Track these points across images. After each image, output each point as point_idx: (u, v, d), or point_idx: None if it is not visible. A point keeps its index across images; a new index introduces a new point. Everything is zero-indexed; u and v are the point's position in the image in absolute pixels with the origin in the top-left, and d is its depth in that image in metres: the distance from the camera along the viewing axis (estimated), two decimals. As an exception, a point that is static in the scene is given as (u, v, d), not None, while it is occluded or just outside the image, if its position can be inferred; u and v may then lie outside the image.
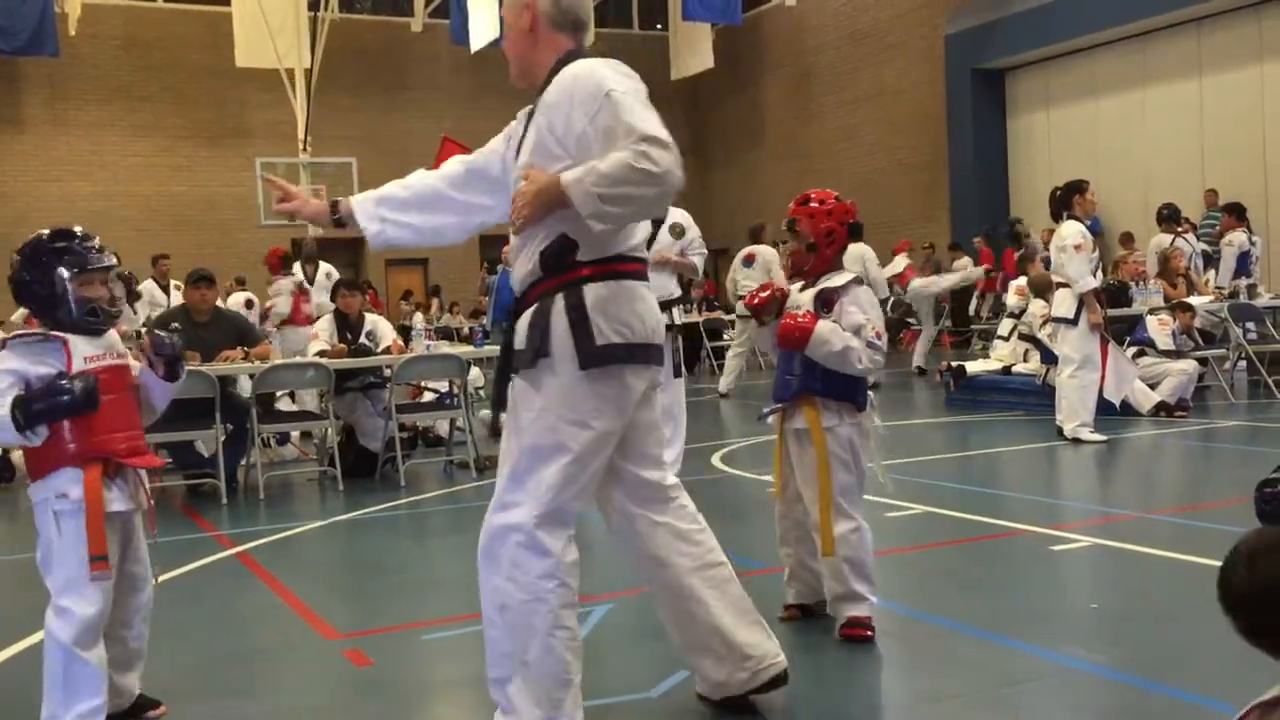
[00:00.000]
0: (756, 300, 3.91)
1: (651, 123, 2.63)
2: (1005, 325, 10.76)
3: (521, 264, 2.85)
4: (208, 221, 21.84)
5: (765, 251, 12.05)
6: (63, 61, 19.93)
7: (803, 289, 3.90)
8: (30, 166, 20.83)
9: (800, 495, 3.82)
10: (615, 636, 4.00)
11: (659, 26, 25.01)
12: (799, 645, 3.63)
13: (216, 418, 7.07)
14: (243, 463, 7.67)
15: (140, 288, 12.35)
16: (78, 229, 3.22)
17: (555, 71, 2.86)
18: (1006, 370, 10.27)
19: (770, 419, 3.93)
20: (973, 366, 10.60)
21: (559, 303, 2.75)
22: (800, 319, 3.69)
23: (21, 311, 11.33)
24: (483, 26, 20.20)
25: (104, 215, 20.07)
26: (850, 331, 3.68)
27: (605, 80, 2.71)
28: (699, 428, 10.04)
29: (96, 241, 3.20)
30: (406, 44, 23.68)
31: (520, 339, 2.80)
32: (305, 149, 19.41)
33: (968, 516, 5.71)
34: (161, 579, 5.06)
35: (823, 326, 3.66)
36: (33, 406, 2.94)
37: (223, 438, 7.22)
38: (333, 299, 8.68)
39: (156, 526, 3.30)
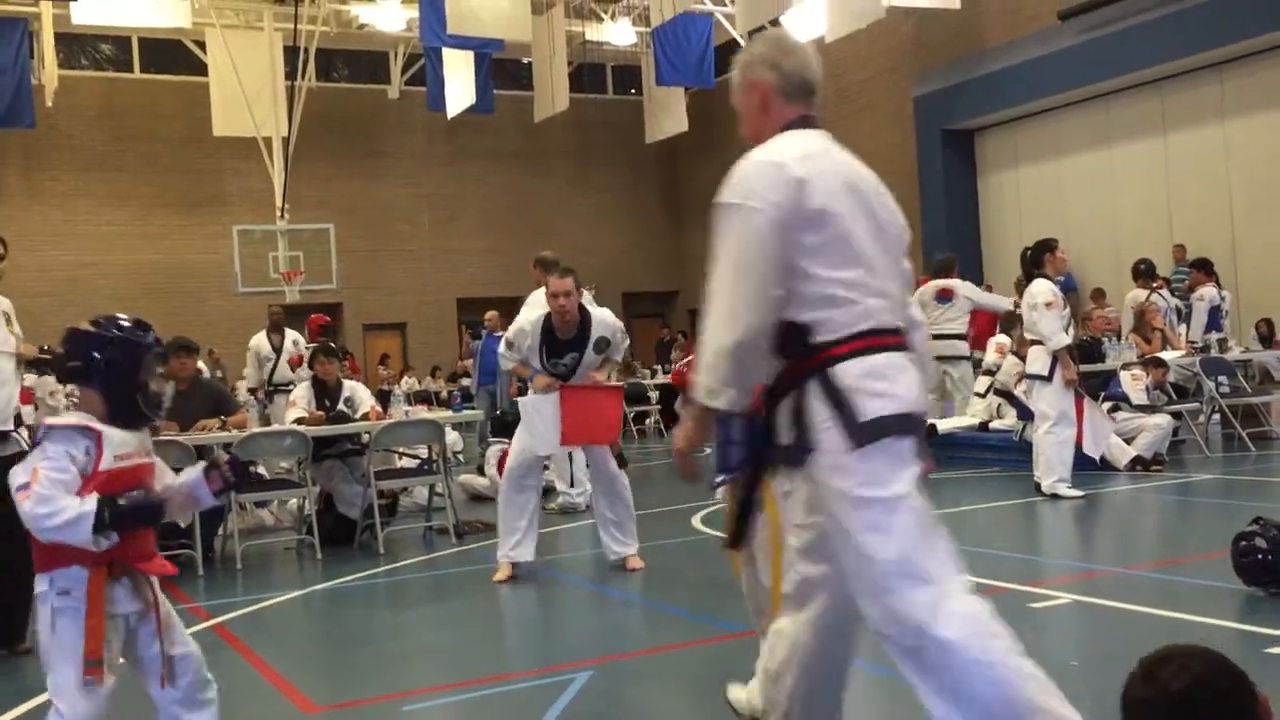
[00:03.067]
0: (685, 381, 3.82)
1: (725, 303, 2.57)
2: (982, 382, 10.83)
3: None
4: (183, 289, 21.82)
5: (962, 286, 11.29)
6: (39, 133, 19.98)
7: None
8: (5, 236, 20.76)
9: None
10: (598, 704, 3.96)
11: (633, 91, 25.34)
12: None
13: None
14: (220, 532, 7.61)
15: None
16: (142, 320, 3.22)
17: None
18: (983, 426, 10.33)
19: (720, 491, 3.73)
20: (945, 424, 10.63)
21: (811, 388, 2.55)
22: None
23: (49, 385, 11.13)
24: (458, 93, 20.42)
25: (79, 284, 20.04)
26: None
27: (728, 185, 2.65)
28: (678, 491, 10.04)
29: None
30: (383, 111, 23.89)
31: (781, 434, 2.62)
32: (283, 216, 19.48)
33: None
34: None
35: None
36: (122, 512, 2.88)
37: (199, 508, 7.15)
38: (310, 365, 8.66)
39: (164, 626, 3.12)
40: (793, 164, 2.57)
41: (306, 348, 10.94)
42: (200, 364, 11.16)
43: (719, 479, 3.74)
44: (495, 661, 4.74)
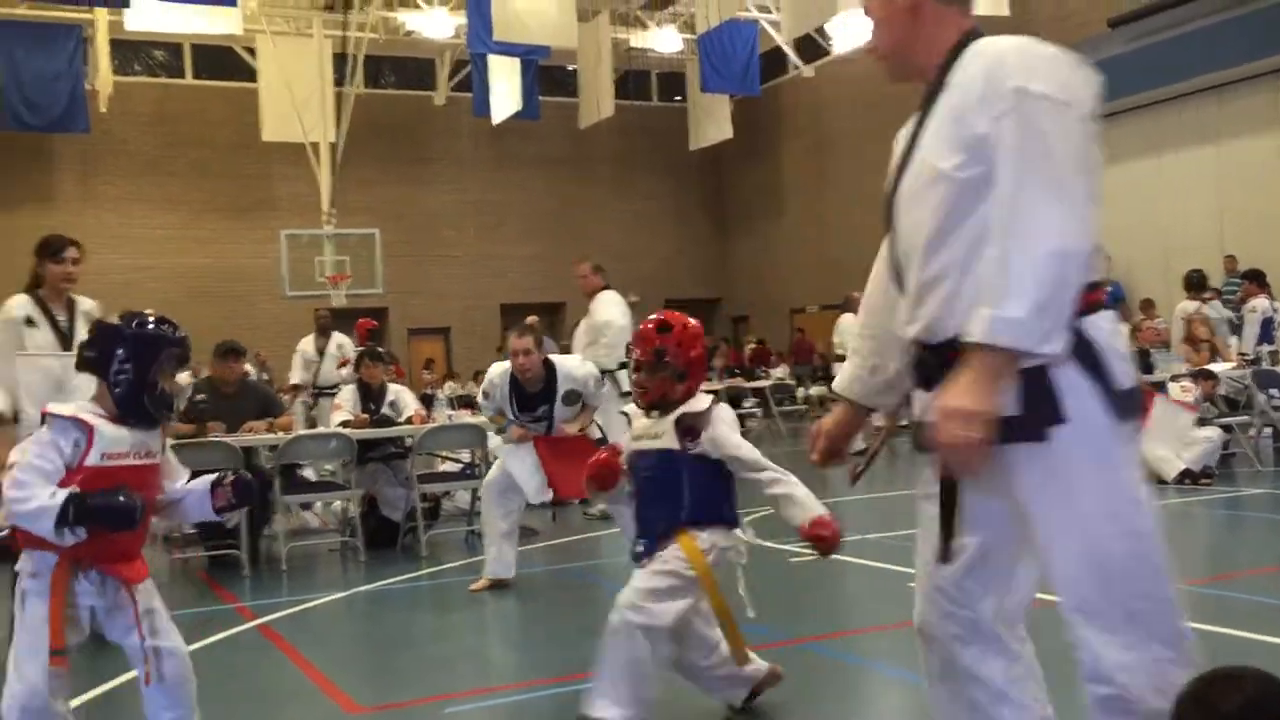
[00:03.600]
0: (596, 474, 3.76)
1: (1074, 182, 1.96)
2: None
3: (956, 292, 2.10)
4: (232, 293, 22.09)
5: None
6: (93, 138, 20.33)
7: (649, 414, 3.62)
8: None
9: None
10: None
11: (678, 98, 25.36)
12: None
13: (240, 488, 7.09)
14: (265, 533, 7.68)
15: None
16: (169, 319, 3.23)
17: (955, 55, 2.20)
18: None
19: (638, 560, 3.56)
20: None
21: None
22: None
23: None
24: (504, 99, 20.55)
25: (133, 287, 20.31)
26: (733, 455, 3.52)
27: (1020, 71, 2.03)
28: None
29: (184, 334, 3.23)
30: (429, 117, 24.07)
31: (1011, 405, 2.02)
32: (330, 221, 19.68)
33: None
34: (195, 647, 5.07)
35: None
36: (89, 506, 2.88)
37: (246, 509, 7.23)
38: (356, 369, 8.74)
39: (142, 628, 3.10)
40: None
41: (353, 351, 11.03)
42: (248, 367, 11.32)
43: (640, 549, 3.52)
44: (536, 666, 4.76)
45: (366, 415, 7.94)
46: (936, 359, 2.14)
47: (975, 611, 2.24)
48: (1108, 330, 2.07)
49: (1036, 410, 2.01)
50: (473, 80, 21.54)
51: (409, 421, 7.96)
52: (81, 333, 5.31)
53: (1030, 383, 2.00)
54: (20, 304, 5.37)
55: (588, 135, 22.77)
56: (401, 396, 8.28)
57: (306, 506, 8.98)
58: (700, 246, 26.51)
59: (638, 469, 3.63)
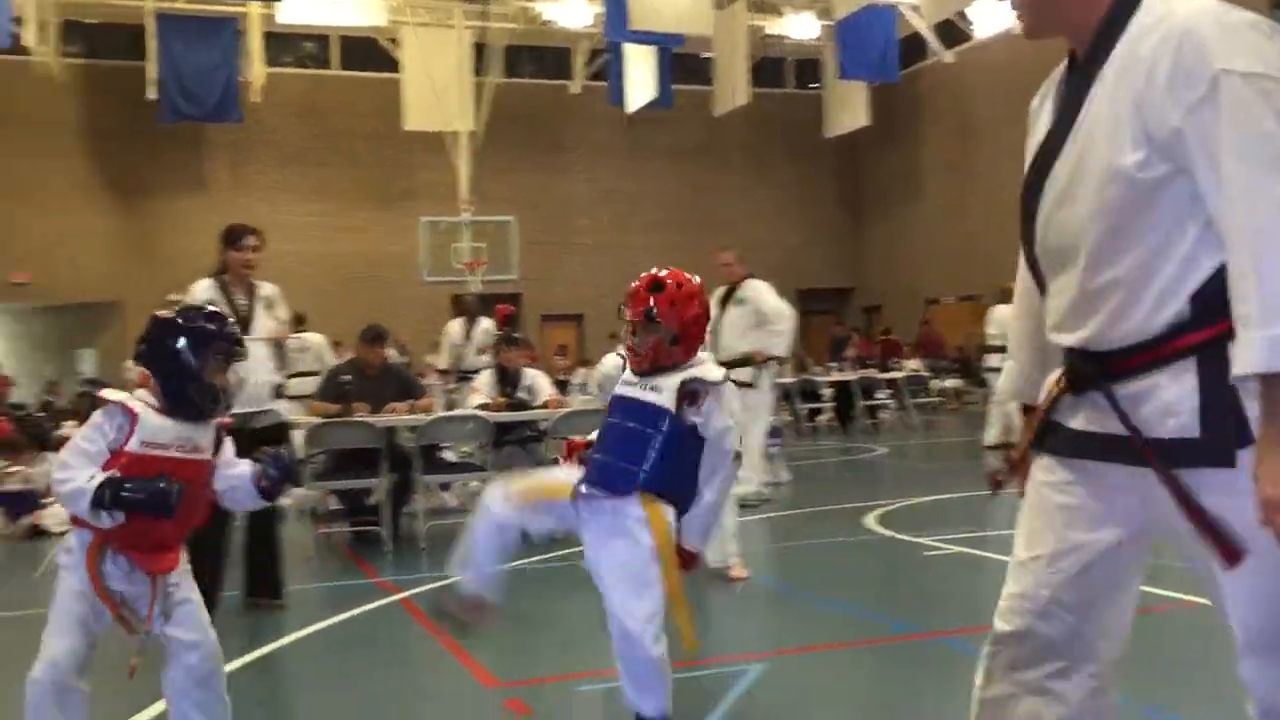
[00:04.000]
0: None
1: None
2: None
3: (1131, 301, 1.88)
4: (373, 278, 22.71)
5: None
6: (245, 127, 21.13)
7: (644, 375, 3.36)
8: (212, 226, 21.95)
9: None
10: (769, 699, 3.98)
11: (813, 85, 25.13)
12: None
13: (384, 467, 7.33)
14: (405, 511, 7.92)
15: (308, 339, 12.84)
16: (220, 312, 3.26)
17: (1122, 15, 1.89)
18: None
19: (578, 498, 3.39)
20: None
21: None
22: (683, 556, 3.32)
23: (132, 367, 11.95)
24: (639, 88, 20.66)
25: (279, 272, 20.98)
26: (719, 433, 3.30)
27: (1218, 47, 1.75)
28: (850, 488, 9.96)
29: (237, 330, 3.23)
30: (565, 106, 24.34)
31: (1176, 420, 1.83)
32: (467, 208, 20.09)
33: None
34: (328, 622, 5.29)
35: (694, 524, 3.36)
36: (117, 494, 2.90)
37: (389, 486, 7.48)
38: (494, 354, 8.93)
39: (151, 618, 3.08)
40: None
41: (492, 336, 11.26)
42: (390, 350, 11.65)
43: (603, 494, 3.32)
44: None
45: (504, 399, 8.11)
46: (1096, 367, 1.95)
47: (1079, 620, 2.05)
48: None
49: (1220, 429, 1.79)
50: (608, 69, 21.71)
51: (544, 406, 8.10)
52: (260, 316, 5.64)
53: (1211, 401, 1.79)
54: (204, 288, 5.69)
55: (721, 123, 22.73)
56: (537, 381, 8.43)
57: (445, 487, 9.22)
58: (833, 235, 26.25)
59: (614, 413, 3.40)
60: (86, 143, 21.60)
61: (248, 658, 4.50)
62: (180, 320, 3.11)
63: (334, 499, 8.28)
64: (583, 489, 3.36)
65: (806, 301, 24.08)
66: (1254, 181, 1.70)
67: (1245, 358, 1.70)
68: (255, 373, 5.63)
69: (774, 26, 22.33)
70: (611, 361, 6.37)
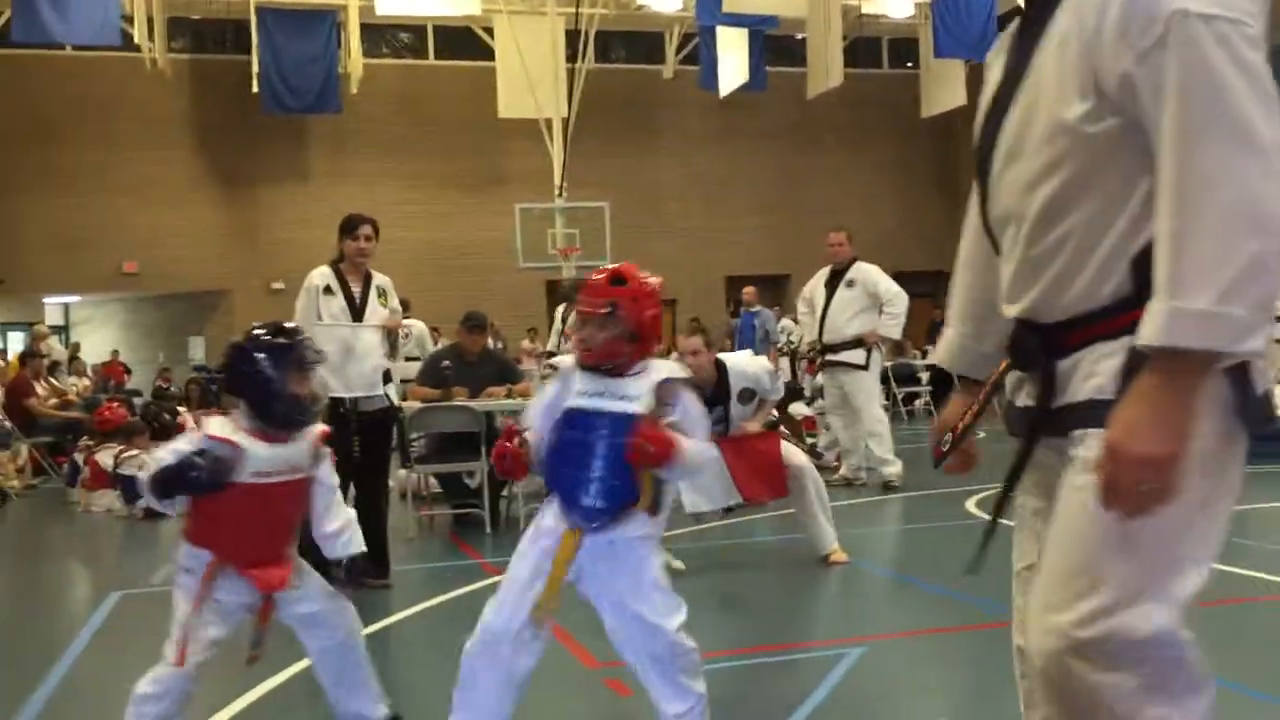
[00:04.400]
0: (512, 473, 3.24)
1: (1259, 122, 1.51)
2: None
3: (1076, 267, 1.75)
4: (470, 265, 23.01)
5: None
6: (343, 117, 21.54)
7: (598, 377, 3.13)
8: (313, 215, 22.52)
9: None
10: (869, 682, 3.97)
11: (909, 65, 24.75)
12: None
13: (483, 451, 7.45)
14: (504, 494, 8.04)
15: (411, 326, 13.08)
16: (291, 326, 3.36)
17: None
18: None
19: (555, 541, 3.14)
20: None
21: None
22: (668, 436, 3.03)
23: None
24: (731, 71, 20.56)
25: (380, 260, 21.48)
26: (699, 419, 3.19)
27: None
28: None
29: (310, 340, 3.33)
30: (657, 91, 24.32)
31: (1094, 381, 1.73)
32: (561, 194, 20.23)
33: (1238, 571, 5.35)
34: (432, 602, 5.41)
35: (691, 449, 3.09)
36: (159, 481, 3.04)
37: (488, 470, 7.60)
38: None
39: (262, 645, 3.26)
40: None
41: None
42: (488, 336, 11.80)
43: (590, 524, 3.10)
44: (765, 632, 4.83)
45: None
46: (1042, 341, 1.80)
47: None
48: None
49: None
50: (700, 53, 21.64)
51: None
52: (373, 303, 5.83)
53: (1136, 360, 1.63)
54: (321, 274, 5.94)
55: (814, 105, 22.50)
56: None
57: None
58: (928, 217, 25.83)
59: (575, 427, 3.11)
60: (193, 136, 22.22)
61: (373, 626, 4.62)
62: (254, 342, 3.23)
63: (435, 482, 8.44)
64: (591, 529, 3.12)
65: (903, 285, 23.76)
66: (1195, 134, 1.52)
67: (1145, 329, 1.55)
68: (367, 358, 5.82)
69: (869, 5, 22.02)
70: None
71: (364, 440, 5.78)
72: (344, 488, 4.80)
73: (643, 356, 3.14)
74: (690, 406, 3.15)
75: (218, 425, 3.15)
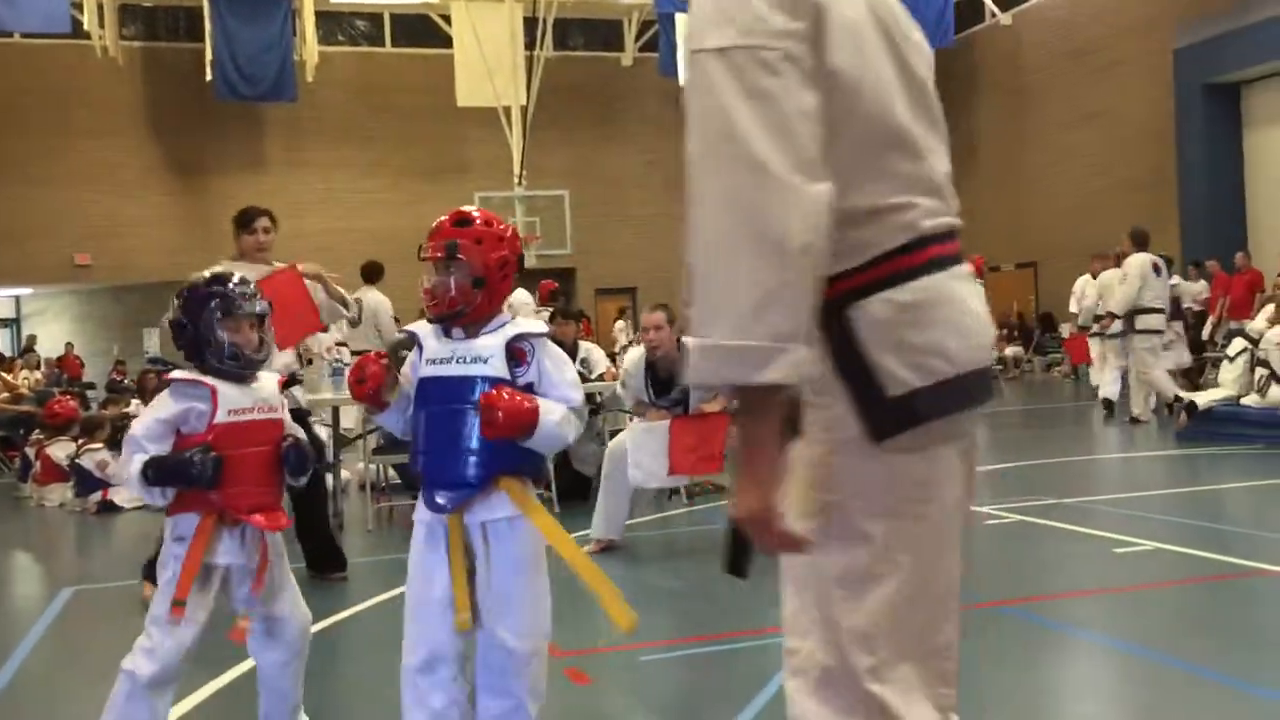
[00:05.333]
0: (364, 388, 2.93)
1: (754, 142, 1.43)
2: (1235, 345, 10.14)
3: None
4: (429, 254, 22.86)
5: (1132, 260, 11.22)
6: (300, 106, 21.32)
7: (450, 339, 2.91)
8: (268, 204, 22.12)
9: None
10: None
11: (867, 52, 24.81)
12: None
13: (441, 441, 7.38)
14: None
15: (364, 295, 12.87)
16: (235, 274, 3.24)
17: None
18: (1237, 401, 9.64)
19: (445, 512, 2.84)
20: (1203, 398, 9.99)
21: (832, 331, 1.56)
22: (520, 400, 2.76)
23: (323, 340, 12.04)
24: (691, 58, 20.52)
25: (334, 249, 21.29)
26: (567, 393, 2.89)
27: (697, 27, 1.51)
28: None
29: (250, 288, 3.20)
30: (616, 78, 24.26)
31: None
32: (520, 183, 20.13)
33: (1203, 554, 5.41)
34: (391, 593, 5.35)
35: (549, 409, 2.81)
36: (158, 472, 2.97)
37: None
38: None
39: (263, 587, 3.16)
40: None
41: (536, 310, 11.31)
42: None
43: (445, 499, 2.82)
44: (727, 618, 4.82)
45: (559, 372, 8.13)
46: None
47: None
48: (884, 317, 1.54)
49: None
50: (660, 40, 21.59)
51: (601, 379, 8.12)
52: None
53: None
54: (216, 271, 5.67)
55: (774, 92, 22.55)
56: (592, 354, 8.46)
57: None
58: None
59: (431, 400, 2.89)
60: (146, 125, 21.92)
61: (313, 629, 4.57)
62: (187, 292, 3.16)
63: (394, 473, 8.37)
64: (441, 502, 2.83)
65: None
66: (704, 166, 1.47)
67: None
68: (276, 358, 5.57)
69: (827, -7, 22.06)
70: (634, 356, 6.34)
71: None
72: None
73: (492, 305, 2.90)
74: (549, 366, 2.87)
75: (181, 372, 3.11)
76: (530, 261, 19.41)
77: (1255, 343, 9.87)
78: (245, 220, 5.85)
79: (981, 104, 23.94)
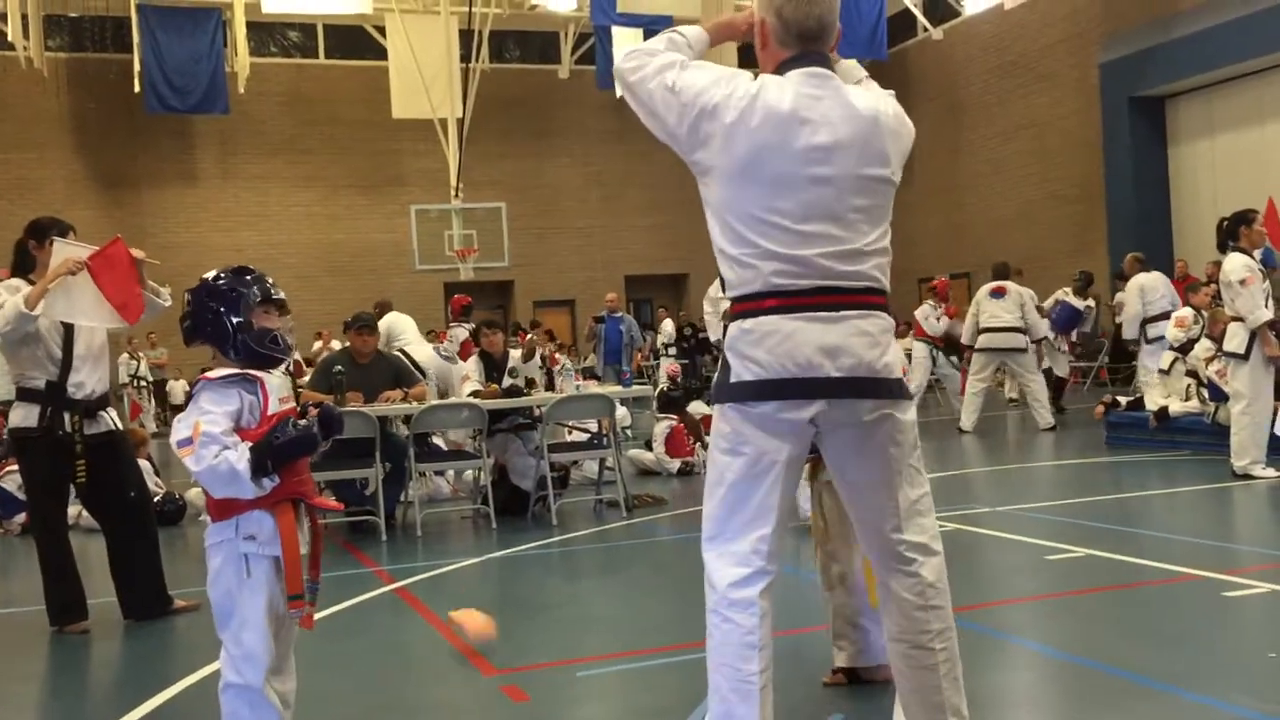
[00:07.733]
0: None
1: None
2: (1166, 358, 10.31)
3: None
4: (365, 267, 22.66)
5: (1014, 287, 12.17)
6: (232, 118, 21.02)
7: None
8: (201, 218, 21.98)
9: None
10: (779, 674, 3.96)
11: (802, 65, 25.02)
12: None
13: (377, 456, 7.30)
14: (401, 500, 7.90)
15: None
16: (252, 267, 3.25)
17: None
18: (1164, 412, 9.77)
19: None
20: (1177, 406, 9.93)
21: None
22: None
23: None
24: (628, 71, 20.55)
25: (269, 262, 21.02)
26: None
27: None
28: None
29: (271, 279, 3.23)
30: (553, 90, 24.24)
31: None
32: (457, 195, 20.01)
33: (1132, 560, 5.49)
34: (326, 613, 5.27)
35: None
36: (276, 454, 2.90)
37: (382, 476, 7.45)
38: (476, 340, 8.90)
39: (319, 570, 3.19)
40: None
41: (450, 325, 11.33)
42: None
43: None
44: (665, 632, 4.80)
45: (495, 386, 8.09)
46: None
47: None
48: (735, 333, 2.63)
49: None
50: (596, 53, 21.60)
51: (530, 384, 8.15)
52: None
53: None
54: (9, 287, 5.35)
55: (711, 105, 22.66)
56: (518, 362, 8.48)
57: (440, 475, 9.21)
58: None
59: None
60: (73, 136, 21.50)
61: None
62: (210, 284, 3.13)
63: (328, 489, 8.26)
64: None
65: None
66: None
67: None
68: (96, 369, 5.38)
69: (762, 6, 22.22)
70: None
71: (100, 474, 5.21)
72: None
73: None
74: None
75: (218, 371, 3.03)
76: (468, 275, 19.31)
77: (1182, 351, 10.04)
78: (39, 233, 5.61)
79: (915, 116, 23.89)
